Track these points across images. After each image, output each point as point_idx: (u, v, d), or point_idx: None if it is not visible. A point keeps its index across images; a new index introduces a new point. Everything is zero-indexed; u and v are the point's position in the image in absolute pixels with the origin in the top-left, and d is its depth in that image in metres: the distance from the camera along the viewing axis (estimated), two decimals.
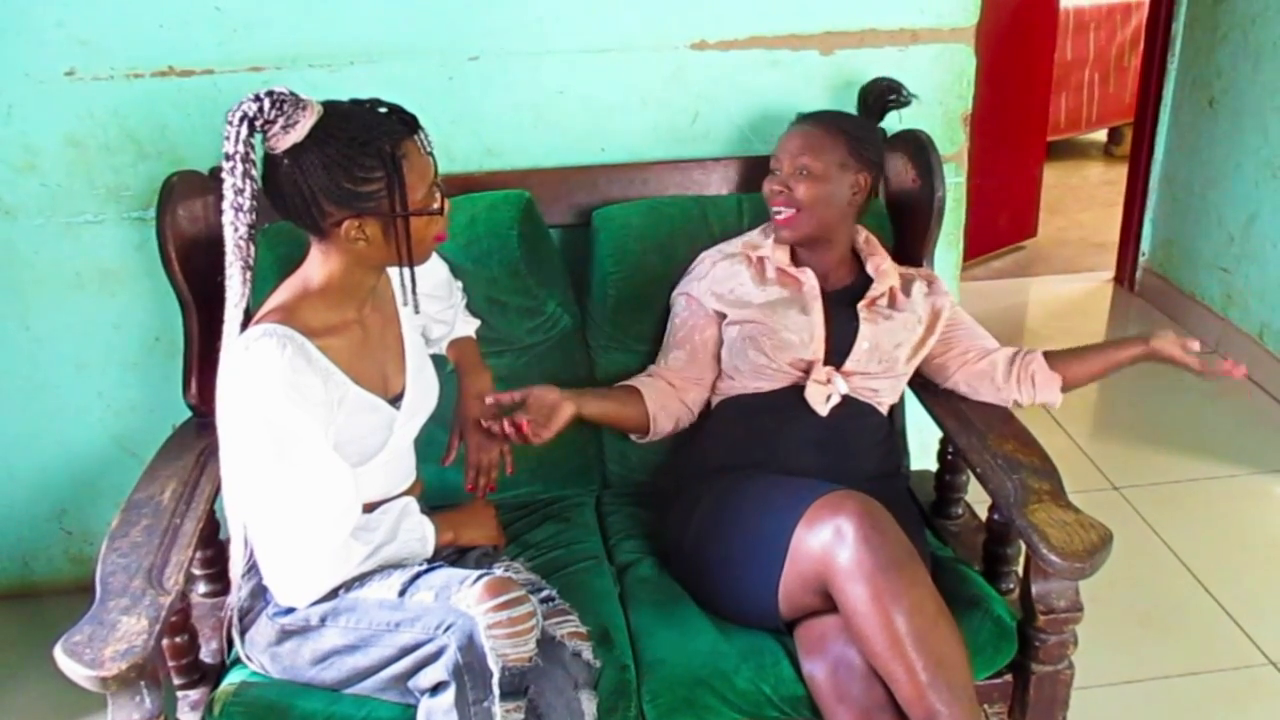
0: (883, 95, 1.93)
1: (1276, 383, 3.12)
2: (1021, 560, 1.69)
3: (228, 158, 1.33)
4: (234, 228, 1.34)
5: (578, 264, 2.00)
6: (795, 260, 1.85)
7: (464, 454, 1.71)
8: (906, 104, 1.93)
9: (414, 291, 1.44)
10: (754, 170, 2.08)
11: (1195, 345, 1.78)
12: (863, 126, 1.86)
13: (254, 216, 1.35)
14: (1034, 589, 1.55)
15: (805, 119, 1.84)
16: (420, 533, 1.53)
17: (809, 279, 1.81)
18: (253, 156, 1.34)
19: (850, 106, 1.96)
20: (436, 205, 1.42)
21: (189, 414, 1.85)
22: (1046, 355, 1.84)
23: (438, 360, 1.75)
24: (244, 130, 1.32)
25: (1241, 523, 2.61)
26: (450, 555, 1.58)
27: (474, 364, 1.77)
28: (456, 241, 1.87)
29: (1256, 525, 2.61)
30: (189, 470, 1.68)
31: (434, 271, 1.72)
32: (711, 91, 2.10)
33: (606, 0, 2.01)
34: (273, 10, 1.95)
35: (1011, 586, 1.78)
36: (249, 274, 1.36)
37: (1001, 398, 1.84)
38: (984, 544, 1.82)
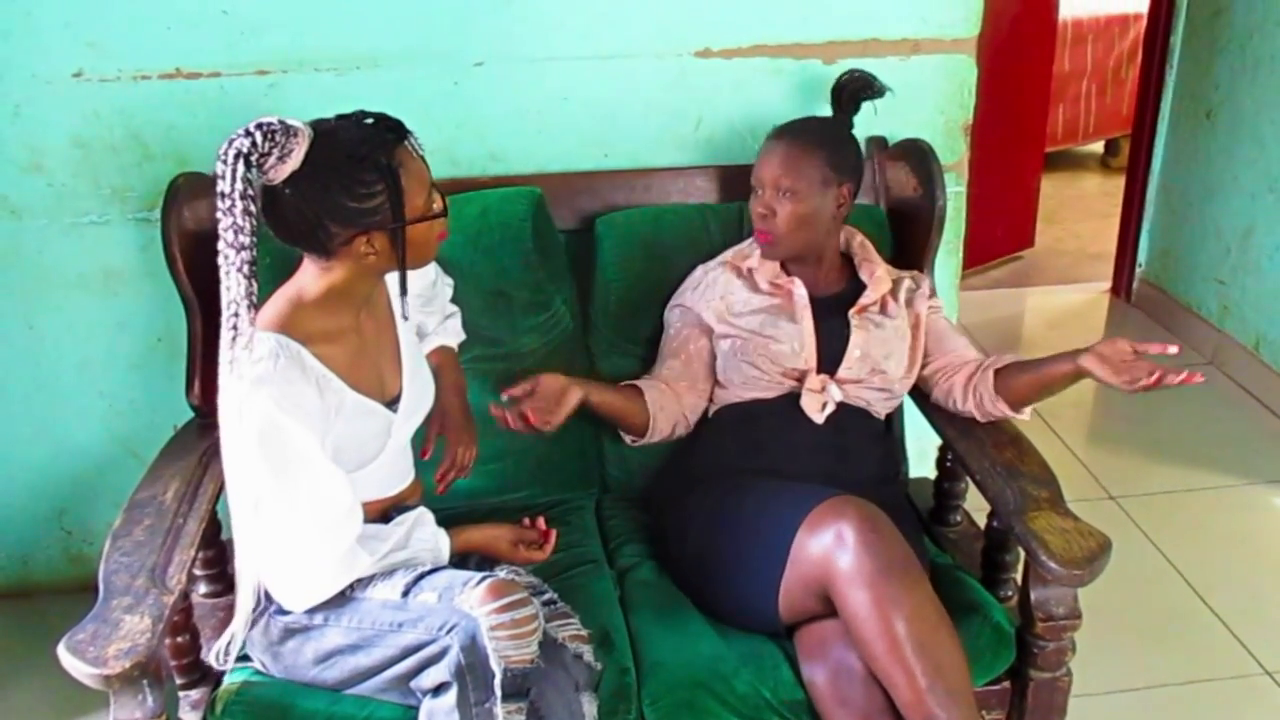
0: (856, 90, 1.89)
1: (1272, 394, 3.13)
2: (1020, 567, 1.70)
3: (223, 196, 1.28)
4: (236, 266, 1.29)
5: (580, 269, 2.00)
6: (784, 269, 1.86)
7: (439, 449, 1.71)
8: (880, 95, 1.89)
9: (404, 295, 1.43)
10: None
11: (1131, 349, 1.60)
12: (838, 135, 1.83)
13: (254, 253, 1.31)
14: (1033, 596, 1.56)
15: (781, 134, 1.80)
16: (433, 543, 1.53)
17: (798, 288, 1.81)
18: (250, 192, 1.29)
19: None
20: (438, 207, 1.43)
21: (191, 414, 1.85)
22: (1000, 371, 1.77)
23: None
24: (240, 167, 1.28)
25: (1238, 533, 2.62)
26: (453, 557, 1.59)
27: (452, 364, 1.77)
28: (466, 233, 1.88)
29: (1252, 536, 2.62)
30: (192, 470, 1.68)
31: (425, 275, 1.72)
32: (715, 99, 2.11)
33: (611, 7, 2.03)
34: (280, 14, 1.96)
35: (1010, 593, 1.79)
36: (254, 313, 1.32)
37: (965, 414, 1.82)
38: (982, 551, 1.83)
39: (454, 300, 1.83)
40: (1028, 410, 1.79)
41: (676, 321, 1.89)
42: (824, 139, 1.79)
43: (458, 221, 1.87)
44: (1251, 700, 2.12)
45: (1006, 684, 1.64)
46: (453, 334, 1.79)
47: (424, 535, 1.52)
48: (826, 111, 1.95)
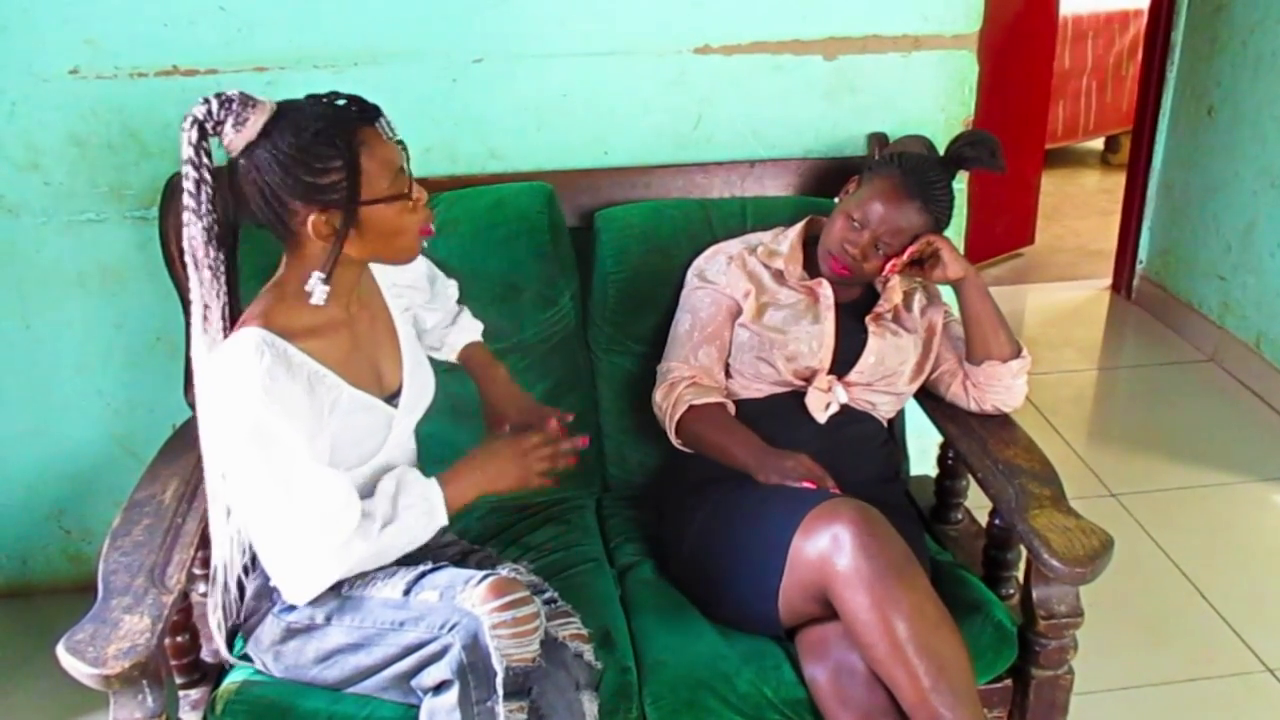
0: (973, 158, 1.80)
1: (1273, 391, 3.13)
2: (1021, 565, 1.69)
3: (185, 162, 1.34)
4: (190, 230, 1.36)
5: (581, 267, 2.00)
6: (808, 269, 1.85)
7: None
8: (997, 170, 1.81)
9: (327, 279, 1.38)
10: (756, 175, 2.09)
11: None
12: (948, 200, 1.77)
13: (211, 220, 1.35)
14: (1035, 594, 1.56)
15: (911, 193, 1.72)
16: (426, 506, 1.44)
17: (825, 289, 1.81)
18: (207, 162, 1.35)
19: (852, 108, 1.95)
20: (406, 190, 1.38)
21: (190, 413, 1.84)
22: (967, 351, 1.82)
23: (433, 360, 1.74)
24: (194, 134, 1.33)
25: (1239, 530, 2.62)
26: (454, 556, 1.58)
27: (488, 360, 1.74)
28: (477, 224, 1.87)
29: (1253, 533, 2.61)
30: (191, 470, 1.67)
31: (414, 265, 1.69)
32: (714, 96, 2.11)
33: (610, 4, 2.02)
34: (277, 11, 1.95)
35: (1011, 592, 1.79)
36: (210, 275, 1.37)
37: (986, 410, 1.83)
38: (984, 549, 1.82)
39: (461, 294, 1.79)
40: (1025, 354, 1.81)
41: (709, 305, 1.83)
42: (938, 206, 1.75)
43: (468, 214, 1.87)
44: (1253, 697, 2.12)
45: (1008, 682, 1.64)
46: (472, 329, 1.76)
47: (410, 500, 1.43)
48: (827, 109, 1.94)
